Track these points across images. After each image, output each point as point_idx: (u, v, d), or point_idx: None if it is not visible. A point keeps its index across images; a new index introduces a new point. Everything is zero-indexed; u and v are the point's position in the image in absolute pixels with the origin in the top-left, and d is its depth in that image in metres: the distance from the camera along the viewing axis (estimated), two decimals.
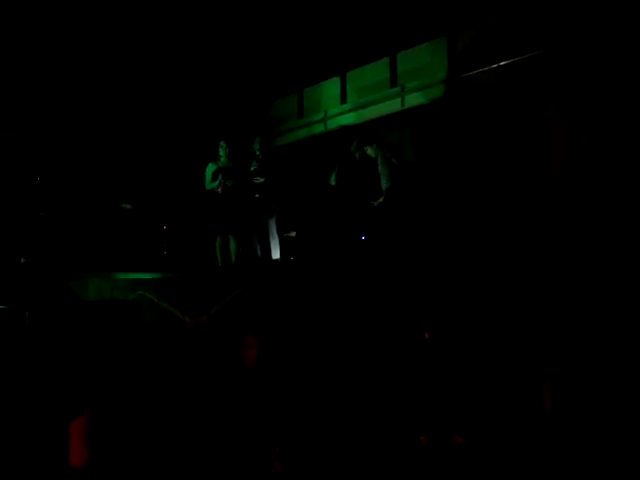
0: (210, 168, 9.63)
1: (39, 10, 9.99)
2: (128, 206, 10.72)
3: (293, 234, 9.82)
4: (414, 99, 10.05)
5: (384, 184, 9.01)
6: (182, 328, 8.03)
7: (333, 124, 11.37)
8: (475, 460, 5.07)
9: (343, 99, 11.33)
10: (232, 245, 9.46)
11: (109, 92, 11.26)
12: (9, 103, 10.49)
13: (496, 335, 6.45)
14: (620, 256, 7.04)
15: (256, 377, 5.36)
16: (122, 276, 8.51)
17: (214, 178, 9.54)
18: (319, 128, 11.66)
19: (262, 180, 9.67)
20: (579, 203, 7.68)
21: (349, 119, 11.03)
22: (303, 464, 4.70)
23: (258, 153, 9.85)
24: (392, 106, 10.36)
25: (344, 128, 11.00)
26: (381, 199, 9.06)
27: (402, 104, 10.23)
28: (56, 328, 7.28)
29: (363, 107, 10.82)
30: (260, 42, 11.16)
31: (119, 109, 11.37)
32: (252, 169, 9.76)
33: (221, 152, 9.67)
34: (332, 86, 11.53)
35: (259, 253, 9.73)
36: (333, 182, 10.00)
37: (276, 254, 9.84)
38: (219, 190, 9.46)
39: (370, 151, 9.29)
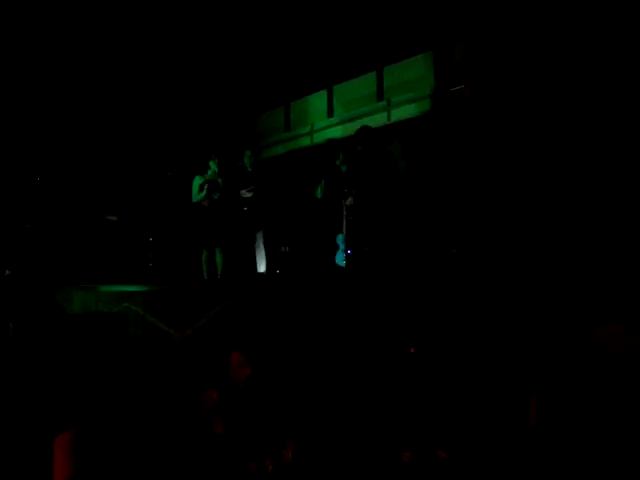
0: (197, 181, 9.64)
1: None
2: (114, 218, 10.69)
3: (285, 249, 9.82)
4: (400, 113, 10.12)
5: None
6: (168, 341, 7.99)
7: (320, 137, 11.42)
8: (459, 476, 5.08)
9: (330, 112, 11.38)
10: (218, 258, 9.46)
11: (96, 102, 11.23)
12: None
13: (482, 349, 6.47)
14: (610, 271, 7.12)
15: (244, 392, 5.35)
16: (107, 288, 8.45)
17: (201, 190, 9.55)
18: (305, 141, 11.71)
19: (250, 195, 9.67)
20: (570, 216, 7.75)
21: (336, 132, 11.08)
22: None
23: (249, 167, 9.86)
24: (378, 120, 10.41)
25: (331, 141, 11.04)
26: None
27: (388, 118, 10.29)
28: (41, 341, 7.23)
29: (350, 120, 10.86)
30: (247, 55, 11.19)
31: (105, 120, 11.34)
32: (239, 182, 9.76)
33: (212, 165, 9.66)
34: (319, 99, 11.58)
35: (245, 266, 9.73)
36: (319, 195, 10.01)
37: (262, 267, 9.83)
38: (205, 203, 9.47)
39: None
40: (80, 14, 10.07)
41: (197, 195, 9.58)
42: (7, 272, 9.06)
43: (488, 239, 8.41)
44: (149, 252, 10.48)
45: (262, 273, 9.80)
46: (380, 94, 10.54)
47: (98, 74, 11.08)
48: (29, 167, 10.32)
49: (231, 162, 10.07)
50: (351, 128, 10.79)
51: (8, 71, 10.42)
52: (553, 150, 8.00)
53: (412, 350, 6.58)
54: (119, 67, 11.15)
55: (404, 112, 10.03)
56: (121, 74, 11.27)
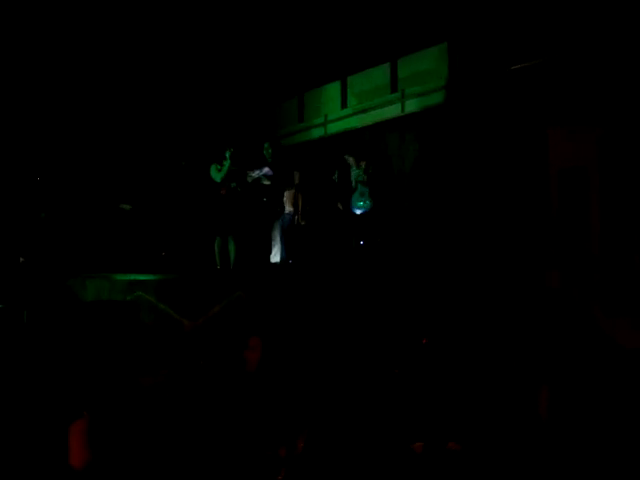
0: (214, 167, 9.59)
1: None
2: (127, 207, 10.73)
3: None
4: (414, 104, 10.10)
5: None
6: (180, 330, 8.02)
7: (333, 128, 11.41)
8: (470, 467, 5.08)
9: (344, 103, 11.37)
10: (231, 247, 9.43)
11: (110, 93, 11.28)
12: (10, 103, 10.50)
13: (494, 341, 6.47)
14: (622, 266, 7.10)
15: (257, 381, 5.37)
16: (121, 277, 8.48)
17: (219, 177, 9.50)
18: (319, 132, 11.71)
19: (269, 183, 9.69)
20: (578, 209, 7.72)
21: (350, 123, 11.07)
22: (303, 470, 4.73)
23: (269, 159, 9.87)
24: (392, 111, 10.41)
25: (345, 132, 11.06)
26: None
27: (402, 109, 10.28)
28: (54, 328, 7.28)
29: (364, 112, 10.85)
30: (262, 46, 11.19)
31: (120, 110, 11.38)
32: (259, 172, 9.77)
33: (228, 156, 9.61)
34: (332, 90, 11.57)
35: (259, 256, 9.76)
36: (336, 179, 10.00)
37: (276, 258, 9.84)
38: (222, 191, 9.41)
39: (351, 161, 9.50)
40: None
41: (217, 174, 9.47)
42: (22, 259, 9.13)
43: (498, 231, 8.39)
44: (162, 241, 10.51)
45: (275, 263, 9.81)
46: (394, 85, 10.52)
47: (114, 65, 11.14)
48: (45, 158, 10.39)
49: (248, 153, 10.06)
50: (365, 119, 10.80)
51: (27, 67, 10.52)
52: None
53: (424, 341, 6.59)
54: (136, 60, 11.19)
55: (418, 103, 10.01)
56: (138, 67, 11.31)
